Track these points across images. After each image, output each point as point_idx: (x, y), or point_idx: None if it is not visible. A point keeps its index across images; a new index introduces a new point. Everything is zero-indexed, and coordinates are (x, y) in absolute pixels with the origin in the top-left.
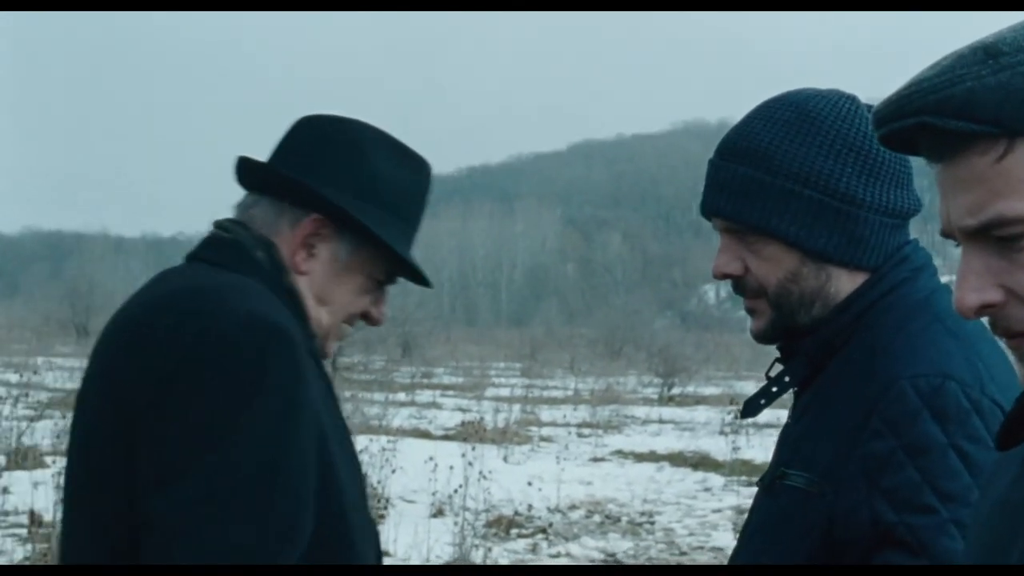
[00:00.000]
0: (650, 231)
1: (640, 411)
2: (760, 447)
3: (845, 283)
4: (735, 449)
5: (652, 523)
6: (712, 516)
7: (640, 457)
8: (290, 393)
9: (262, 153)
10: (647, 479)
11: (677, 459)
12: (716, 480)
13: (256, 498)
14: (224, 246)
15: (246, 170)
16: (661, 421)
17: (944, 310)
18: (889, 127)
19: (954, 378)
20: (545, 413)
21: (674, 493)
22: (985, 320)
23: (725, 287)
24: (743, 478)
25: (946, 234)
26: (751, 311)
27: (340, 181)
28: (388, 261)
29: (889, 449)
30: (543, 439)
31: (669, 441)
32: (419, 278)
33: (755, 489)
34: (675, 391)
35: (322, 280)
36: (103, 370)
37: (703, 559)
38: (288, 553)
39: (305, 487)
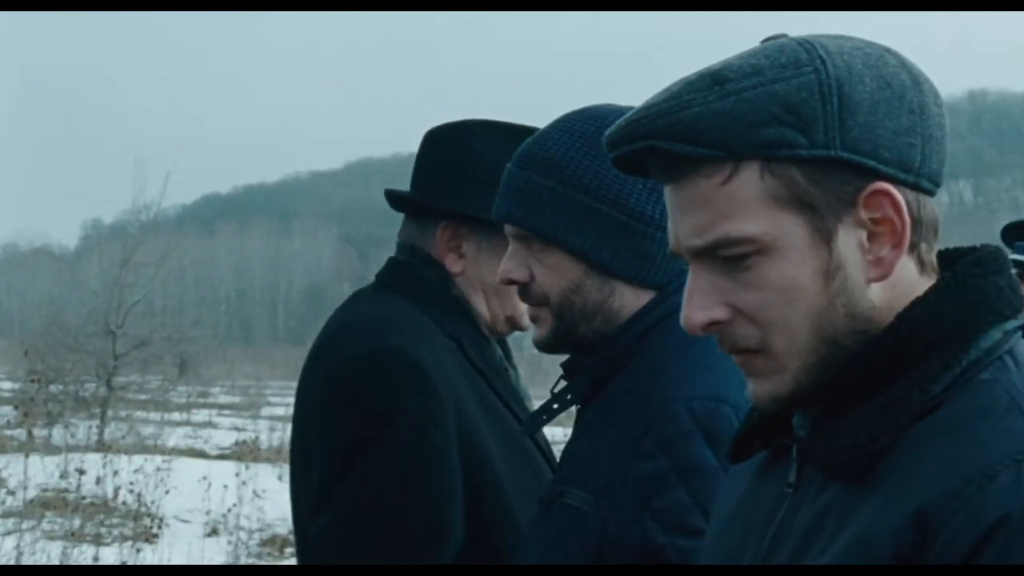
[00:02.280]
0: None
1: None
2: None
3: (629, 299)
4: None
5: None
6: None
7: None
8: (419, 417)
9: None
10: None
11: None
12: None
13: (388, 518)
14: (398, 269)
15: (391, 199)
16: None
17: None
18: (620, 150)
19: (728, 402)
20: None
21: None
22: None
23: None
24: None
25: (675, 253)
26: (534, 319)
27: (454, 181)
28: None
29: (661, 471)
30: None
31: None
32: None
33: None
34: None
35: (480, 272)
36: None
37: None
38: (440, 552)
39: (444, 494)
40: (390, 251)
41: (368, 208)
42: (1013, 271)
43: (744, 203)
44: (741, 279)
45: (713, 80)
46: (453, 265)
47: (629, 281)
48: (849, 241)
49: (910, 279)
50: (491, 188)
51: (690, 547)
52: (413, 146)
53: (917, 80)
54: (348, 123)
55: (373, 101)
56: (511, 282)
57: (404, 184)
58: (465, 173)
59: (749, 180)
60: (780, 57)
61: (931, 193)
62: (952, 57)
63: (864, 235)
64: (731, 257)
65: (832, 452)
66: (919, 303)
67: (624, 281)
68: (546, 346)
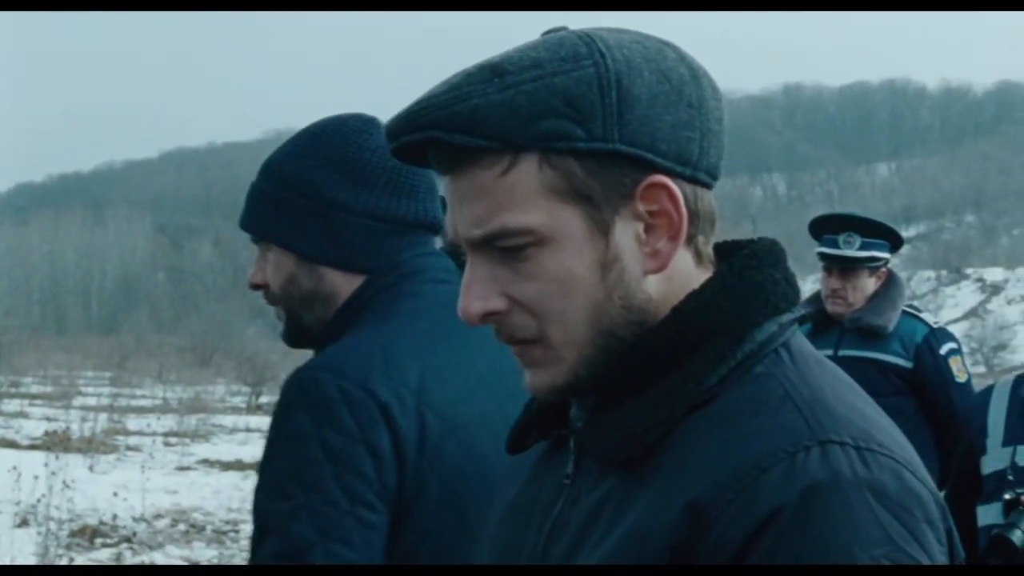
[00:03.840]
0: (241, 239)
1: (228, 420)
2: None
3: (342, 284)
4: None
5: (237, 532)
6: None
7: (227, 466)
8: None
9: None
10: (233, 488)
11: None
12: None
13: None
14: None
15: None
16: (248, 430)
17: (396, 312)
18: (399, 141)
19: (331, 369)
20: (133, 422)
21: None
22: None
23: None
24: None
25: (454, 244)
26: (278, 318)
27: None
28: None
29: (271, 440)
30: (130, 448)
31: (256, 450)
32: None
33: None
34: (263, 399)
35: None
36: None
37: None
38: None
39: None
40: (204, 241)
41: (182, 198)
42: (822, 264)
43: (522, 194)
44: (519, 270)
45: (493, 72)
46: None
47: (336, 267)
48: (626, 233)
49: (687, 272)
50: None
51: (278, 511)
52: (228, 136)
53: (696, 74)
54: (162, 113)
55: (187, 91)
56: (255, 287)
57: (221, 173)
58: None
59: (527, 172)
60: (560, 50)
61: (709, 186)
62: (768, 52)
63: (641, 227)
64: (509, 248)
65: (607, 443)
66: (695, 296)
67: (331, 267)
68: (287, 341)
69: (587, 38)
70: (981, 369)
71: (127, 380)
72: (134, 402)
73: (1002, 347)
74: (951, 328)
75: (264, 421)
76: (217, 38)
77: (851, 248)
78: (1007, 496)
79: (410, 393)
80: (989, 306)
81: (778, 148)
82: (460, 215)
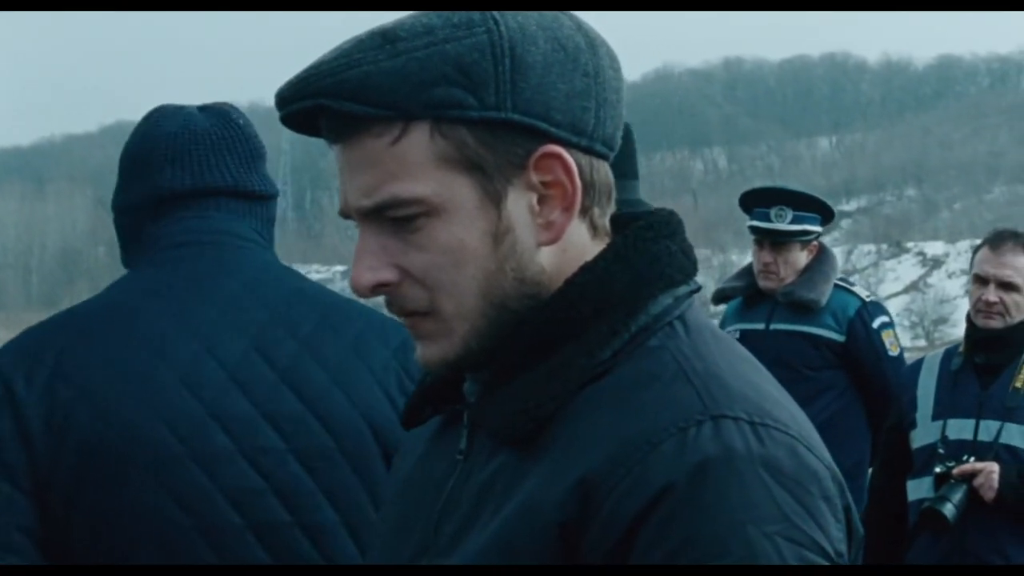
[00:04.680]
0: None
1: None
2: None
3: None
4: None
5: None
6: None
7: None
8: None
9: None
10: None
11: None
12: None
13: None
14: None
15: None
16: None
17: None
18: (288, 108)
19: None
20: None
21: None
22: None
23: None
24: None
25: (345, 214)
26: None
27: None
28: None
29: None
30: None
31: None
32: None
33: None
34: None
35: None
36: None
37: None
38: None
39: None
40: None
41: None
42: (753, 238)
43: (413, 164)
44: (409, 241)
45: (384, 39)
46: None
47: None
48: (519, 204)
49: (581, 243)
50: None
51: None
52: None
53: (593, 43)
54: (102, 86)
55: (127, 64)
56: None
57: None
58: None
59: (419, 141)
60: (453, 17)
61: (606, 157)
62: (708, 25)
63: (534, 198)
64: (399, 218)
65: (499, 417)
66: (588, 268)
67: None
68: None
69: (482, 11)
70: (922, 343)
71: None
72: None
73: (942, 321)
74: (892, 302)
75: None
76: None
77: (783, 222)
78: (937, 469)
79: (45, 367)
80: (930, 280)
81: (719, 122)
82: (350, 185)
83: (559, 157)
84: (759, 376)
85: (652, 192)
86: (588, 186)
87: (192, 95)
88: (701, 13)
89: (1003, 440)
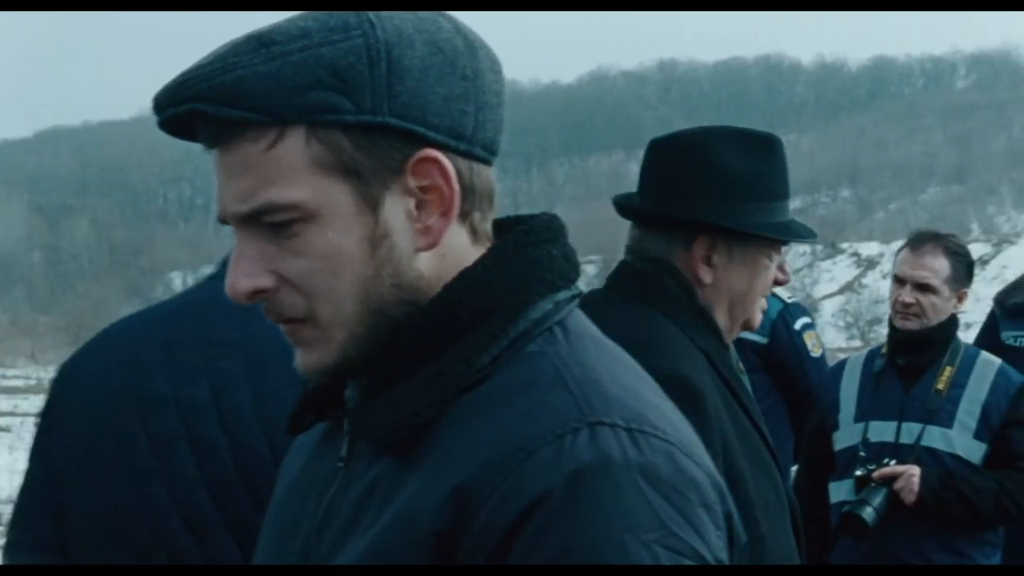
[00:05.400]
0: (117, 218)
1: None
2: None
3: None
4: None
5: None
6: None
7: None
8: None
9: None
10: None
11: None
12: None
13: None
14: (642, 280)
15: (623, 208)
16: None
17: None
18: (165, 113)
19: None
20: (4, 402)
21: None
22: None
23: (192, 274)
24: None
25: (222, 220)
26: None
27: (707, 195)
28: (771, 238)
29: None
30: (1, 429)
31: None
32: (804, 237)
33: None
34: None
35: (729, 281)
36: None
37: None
38: None
39: None
40: (81, 220)
41: (58, 177)
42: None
43: (289, 169)
44: (286, 246)
45: (259, 42)
46: (705, 275)
47: None
48: (396, 209)
49: (461, 249)
50: (741, 198)
51: None
52: (103, 114)
53: (472, 46)
54: (37, 91)
55: (62, 70)
56: None
57: (97, 153)
58: (718, 185)
59: (294, 145)
60: (329, 20)
61: (486, 161)
62: (644, 26)
63: (412, 203)
64: (276, 224)
65: (377, 425)
66: (467, 273)
67: None
68: None
69: (359, 11)
70: (857, 343)
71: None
72: (6, 382)
73: (877, 321)
74: (827, 303)
75: None
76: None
77: None
78: (858, 472)
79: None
80: (864, 280)
81: (653, 124)
82: (227, 190)
83: (436, 161)
84: (639, 382)
85: (587, 195)
86: (467, 190)
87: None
88: (636, 16)
89: (925, 443)
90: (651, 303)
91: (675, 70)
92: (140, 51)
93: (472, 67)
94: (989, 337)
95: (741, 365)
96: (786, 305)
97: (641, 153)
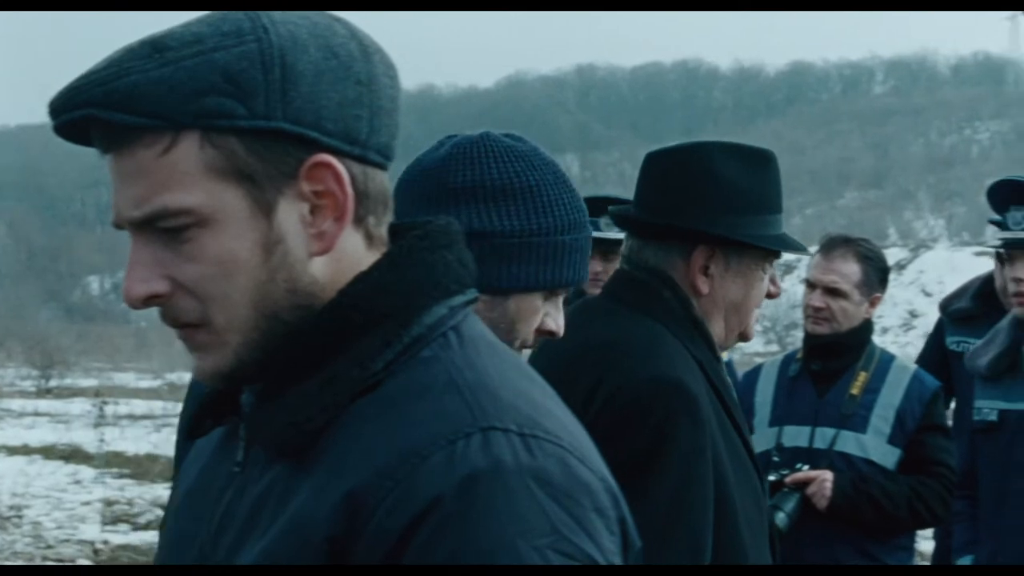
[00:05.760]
0: (35, 222)
1: (16, 404)
2: (132, 438)
3: None
4: (101, 441)
5: (20, 517)
6: (81, 509)
7: (13, 451)
8: (690, 448)
9: None
10: (18, 472)
11: (50, 452)
12: (87, 472)
13: (652, 544)
14: (639, 288)
15: (620, 220)
16: (37, 414)
17: None
18: (60, 119)
19: None
20: None
21: (44, 486)
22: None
23: (110, 278)
24: (114, 470)
25: (118, 225)
26: None
27: (707, 207)
28: (766, 250)
29: None
30: None
31: (43, 434)
32: (797, 249)
33: (125, 481)
34: (53, 383)
35: (725, 291)
36: None
37: (69, 552)
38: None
39: (704, 525)
40: None
41: None
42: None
43: (183, 174)
44: (181, 252)
45: (153, 48)
46: (703, 286)
47: None
48: (290, 214)
49: (356, 254)
50: (739, 211)
51: None
52: (19, 118)
53: (367, 51)
54: None
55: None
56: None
57: (14, 156)
58: (718, 197)
59: (188, 151)
60: (223, 25)
61: (381, 166)
62: (561, 32)
63: (306, 208)
64: (170, 229)
65: (271, 431)
66: (362, 278)
67: None
68: None
69: (252, 13)
70: (775, 348)
71: None
72: None
73: (794, 326)
74: None
75: (53, 405)
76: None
77: (612, 230)
78: (771, 477)
79: None
80: (783, 285)
81: (571, 129)
82: (122, 195)
83: (330, 166)
84: (533, 387)
85: None
86: (362, 195)
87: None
88: (553, 21)
89: (838, 447)
90: (649, 312)
91: (593, 75)
92: (56, 54)
93: (367, 72)
94: (935, 343)
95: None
96: None
97: (559, 158)
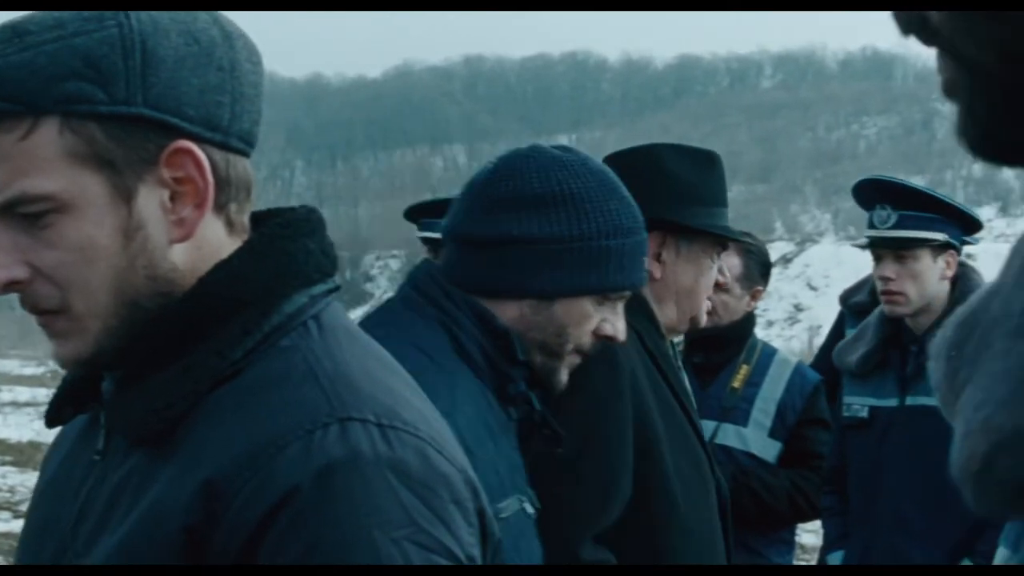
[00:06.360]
0: None
1: None
2: (15, 425)
3: None
4: None
5: None
6: None
7: None
8: (605, 389)
9: None
10: None
11: None
12: None
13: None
14: None
15: None
16: None
17: None
18: None
19: None
20: None
21: None
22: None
23: None
24: None
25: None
26: None
27: (658, 198)
28: (712, 236)
29: None
30: None
31: None
32: (739, 239)
33: (7, 468)
34: None
35: (676, 276)
36: None
37: None
38: (608, 509)
39: (618, 463)
40: None
41: None
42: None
43: (43, 159)
44: (40, 238)
45: (13, 32)
46: (655, 271)
47: None
48: (151, 200)
49: (217, 241)
50: (687, 202)
51: None
52: None
53: (229, 36)
54: None
55: None
56: None
57: None
58: (667, 190)
59: (48, 136)
60: (85, 11)
61: (243, 153)
62: (450, 22)
63: (167, 195)
64: (30, 215)
65: (130, 418)
66: (222, 266)
67: None
68: None
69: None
70: None
71: None
72: None
73: None
74: None
75: None
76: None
77: (431, 230)
78: None
79: None
80: None
81: (459, 119)
82: None
83: (191, 153)
84: (394, 377)
85: (392, 189)
86: (223, 182)
87: None
88: (442, 10)
89: (719, 440)
90: None
91: (481, 66)
92: None
93: (229, 58)
94: (836, 336)
95: (679, 362)
96: None
97: (446, 148)
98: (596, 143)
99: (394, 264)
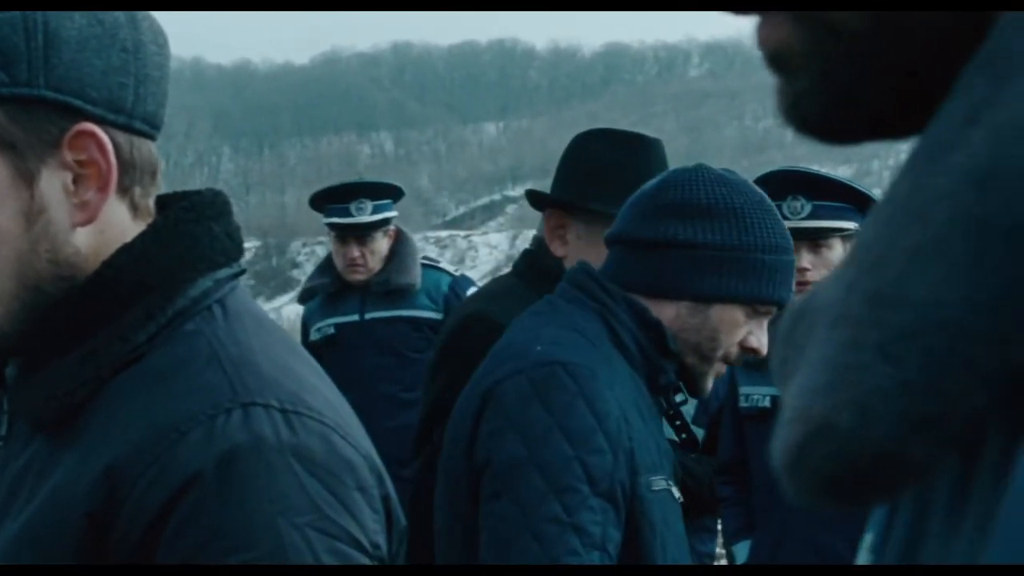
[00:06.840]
0: None
1: None
2: None
3: None
4: None
5: None
6: None
7: None
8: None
9: None
10: None
11: None
12: None
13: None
14: (524, 257)
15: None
16: None
17: None
18: None
19: None
20: None
21: None
22: None
23: None
24: None
25: None
26: None
27: (566, 178)
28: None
29: None
30: None
31: None
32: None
33: None
34: None
35: (577, 257)
36: None
37: None
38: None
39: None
40: None
41: None
42: (333, 234)
43: None
44: None
45: None
46: (557, 248)
47: None
48: (53, 183)
49: (121, 224)
50: (600, 184)
51: None
52: None
53: (134, 18)
54: None
55: None
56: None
57: None
58: (576, 168)
59: None
60: None
61: (148, 135)
62: (378, 9)
63: (70, 178)
64: None
65: (32, 403)
66: (126, 249)
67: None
68: None
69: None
70: None
71: None
72: None
73: None
74: None
75: None
76: None
77: (364, 214)
78: None
79: None
80: None
81: (386, 106)
82: None
83: (93, 135)
84: (298, 363)
85: (319, 176)
86: (127, 165)
87: None
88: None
89: None
90: (521, 276)
91: (409, 53)
92: None
93: (133, 39)
94: None
95: None
96: (455, 278)
97: (373, 135)
98: (523, 131)
99: (320, 251)
